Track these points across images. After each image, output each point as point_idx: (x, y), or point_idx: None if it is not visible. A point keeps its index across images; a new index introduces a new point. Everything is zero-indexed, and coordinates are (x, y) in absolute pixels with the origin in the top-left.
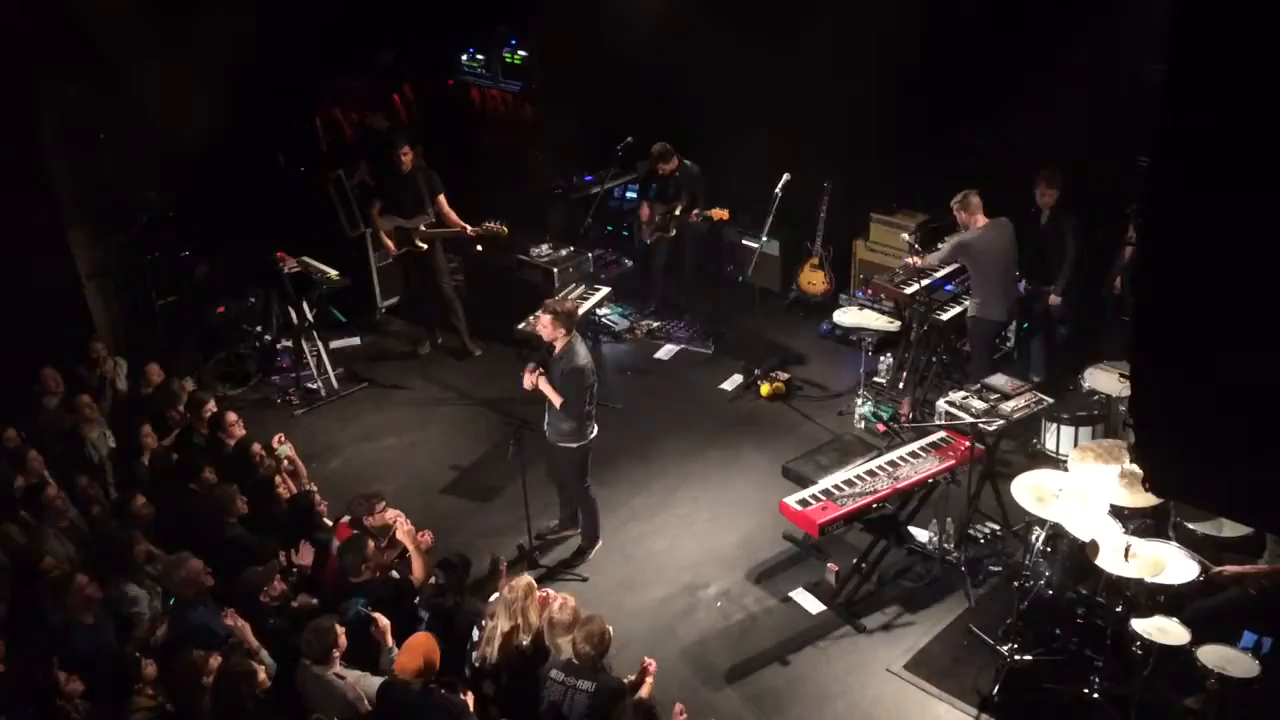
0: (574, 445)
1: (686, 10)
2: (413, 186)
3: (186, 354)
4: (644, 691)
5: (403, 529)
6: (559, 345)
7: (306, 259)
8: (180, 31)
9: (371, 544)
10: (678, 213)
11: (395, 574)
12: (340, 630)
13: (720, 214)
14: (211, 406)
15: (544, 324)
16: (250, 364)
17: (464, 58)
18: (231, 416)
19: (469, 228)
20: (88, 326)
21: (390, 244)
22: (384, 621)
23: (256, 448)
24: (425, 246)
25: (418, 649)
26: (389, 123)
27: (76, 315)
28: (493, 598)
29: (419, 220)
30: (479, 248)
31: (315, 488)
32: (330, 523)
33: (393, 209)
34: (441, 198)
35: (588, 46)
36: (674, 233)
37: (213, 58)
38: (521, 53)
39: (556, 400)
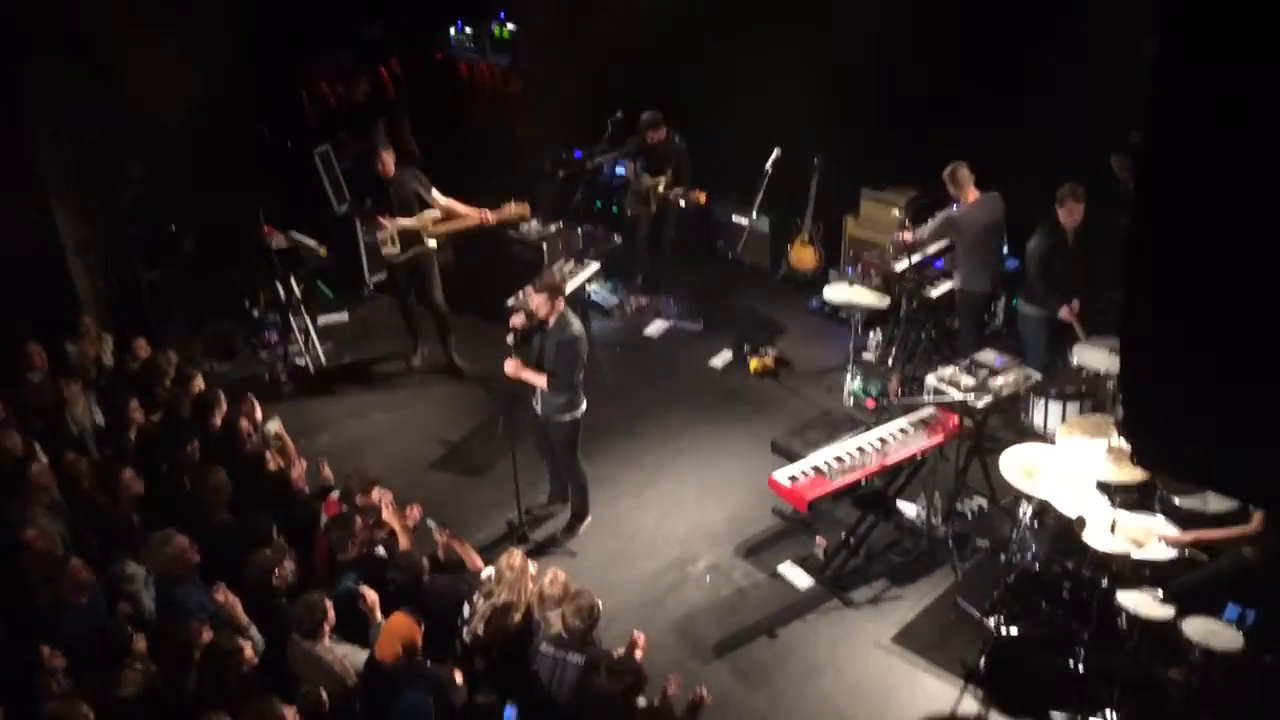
0: (565, 418)
1: None
2: (401, 189)
3: (173, 329)
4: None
5: (387, 509)
6: (552, 319)
7: (294, 233)
8: (165, 2)
9: (360, 521)
10: (660, 188)
11: (382, 550)
12: (329, 605)
13: (699, 196)
14: (199, 382)
15: (538, 302)
16: (237, 339)
17: (452, 31)
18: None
19: (489, 214)
20: (73, 300)
21: (394, 249)
22: (371, 596)
23: (244, 424)
24: (434, 244)
25: (395, 634)
26: (370, 92)
27: (61, 289)
28: (486, 573)
29: (426, 218)
30: None
31: (304, 464)
32: (306, 490)
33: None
34: (435, 192)
35: (577, 21)
36: (654, 209)
37: (198, 29)
38: (510, 26)
39: (541, 382)
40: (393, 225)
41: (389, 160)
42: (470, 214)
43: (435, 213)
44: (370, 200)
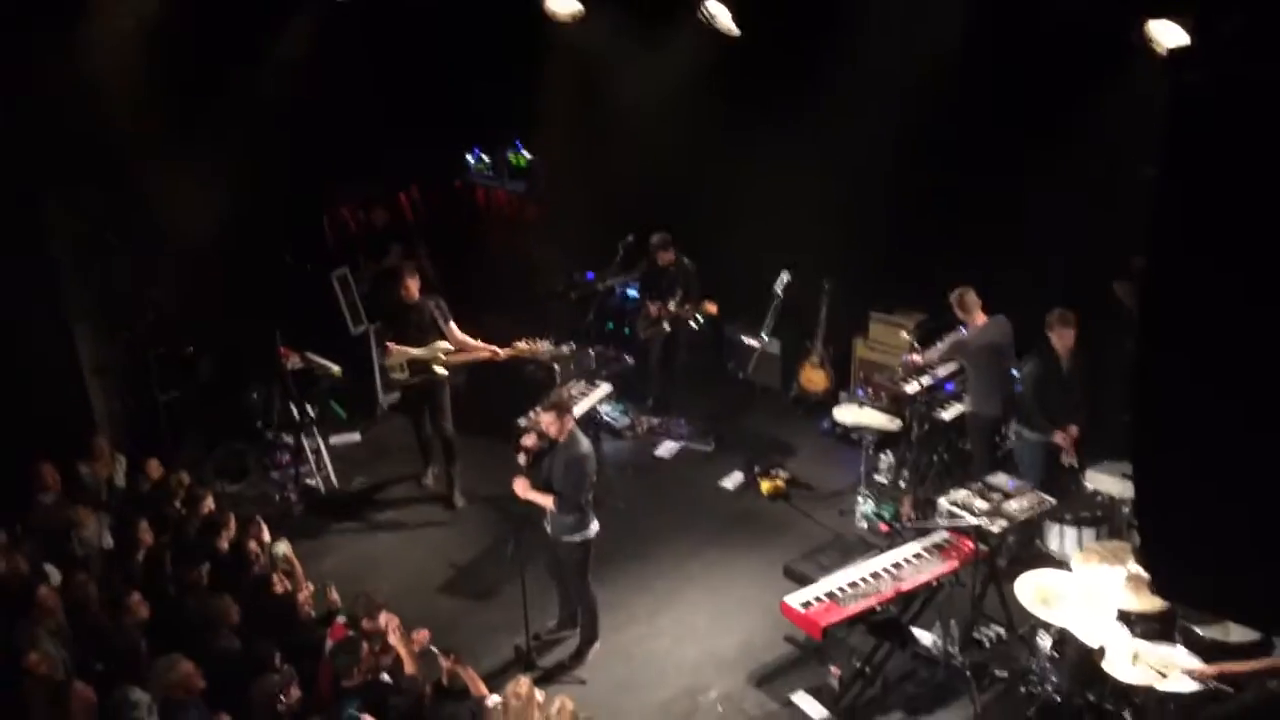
0: (576, 539)
1: (690, 111)
2: (421, 316)
3: (187, 450)
4: None
5: (394, 635)
6: (561, 437)
7: (310, 355)
8: (189, 133)
9: (366, 647)
10: (671, 308)
11: (387, 677)
12: None
13: (710, 307)
14: (209, 503)
15: (547, 421)
16: (249, 460)
17: (470, 159)
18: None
19: (499, 351)
20: (89, 421)
21: (403, 375)
22: None
23: (253, 546)
24: (444, 373)
25: None
26: (389, 218)
27: (79, 410)
28: (492, 700)
29: (437, 348)
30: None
31: (311, 587)
32: (312, 614)
33: (401, 340)
34: (453, 325)
35: (591, 148)
36: (668, 329)
37: (222, 159)
38: (526, 155)
39: (548, 503)
40: (400, 353)
41: (413, 286)
42: (482, 350)
43: (447, 345)
44: (384, 323)
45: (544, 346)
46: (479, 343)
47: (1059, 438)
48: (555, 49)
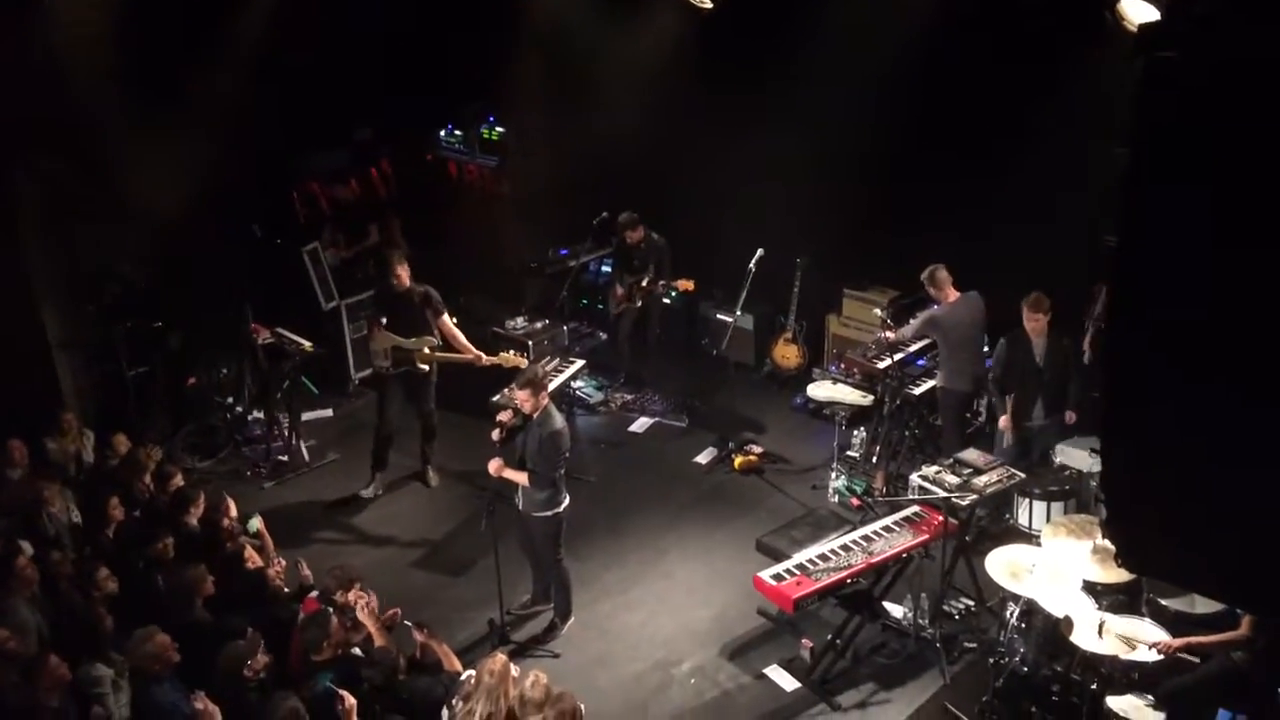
0: (547, 514)
1: (664, 86)
2: (410, 305)
3: (156, 425)
4: None
5: (363, 610)
6: (537, 412)
7: (281, 330)
8: (160, 106)
9: (336, 621)
10: (644, 284)
11: (358, 651)
12: (303, 711)
13: (685, 284)
14: (179, 479)
15: (522, 397)
16: (220, 436)
17: (442, 133)
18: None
19: (483, 357)
20: (57, 397)
21: (385, 363)
22: (350, 700)
23: (225, 522)
24: (426, 369)
25: None
26: (360, 193)
27: (46, 385)
28: (465, 675)
29: (423, 342)
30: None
31: (283, 562)
32: (285, 589)
33: (389, 326)
34: (445, 319)
35: (564, 123)
36: (639, 303)
37: (191, 132)
38: (499, 129)
39: (523, 479)
40: (386, 339)
41: (403, 274)
42: (466, 352)
43: (433, 340)
44: (375, 307)
45: (524, 362)
46: (466, 343)
47: (1002, 421)
48: (528, 22)
